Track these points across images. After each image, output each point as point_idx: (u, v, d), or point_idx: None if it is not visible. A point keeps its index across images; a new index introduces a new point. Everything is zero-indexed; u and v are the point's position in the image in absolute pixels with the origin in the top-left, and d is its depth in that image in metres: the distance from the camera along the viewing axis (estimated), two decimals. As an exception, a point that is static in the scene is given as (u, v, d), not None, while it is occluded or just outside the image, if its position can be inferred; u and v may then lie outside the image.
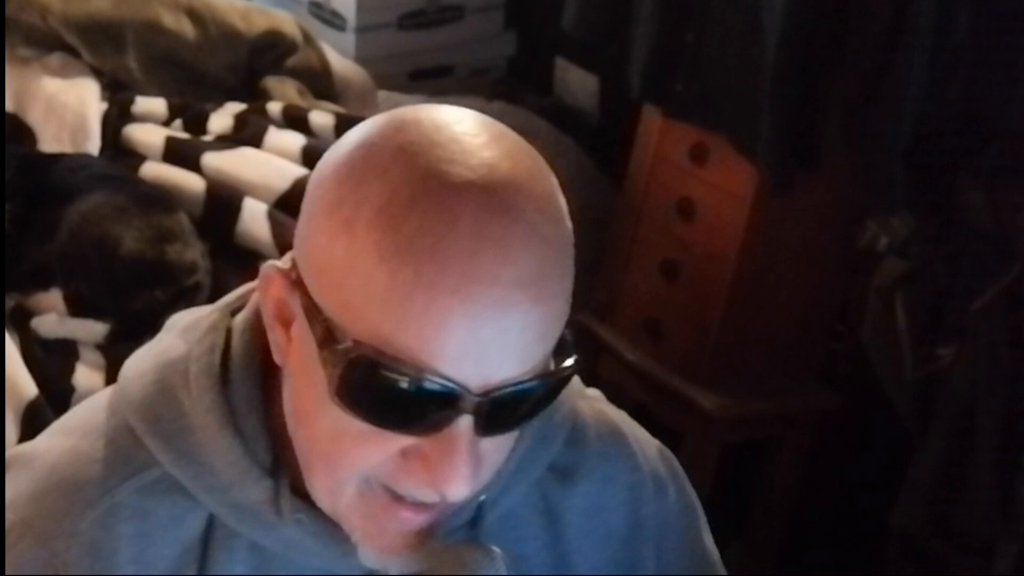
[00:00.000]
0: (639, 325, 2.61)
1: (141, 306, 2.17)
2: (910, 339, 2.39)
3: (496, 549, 0.96)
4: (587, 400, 1.12)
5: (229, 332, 0.99)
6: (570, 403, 1.08)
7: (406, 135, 0.88)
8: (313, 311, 0.88)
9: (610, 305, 2.69)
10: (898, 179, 2.23)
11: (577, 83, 3.20)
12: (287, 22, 2.93)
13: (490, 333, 0.84)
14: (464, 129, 0.88)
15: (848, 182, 2.39)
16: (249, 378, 0.97)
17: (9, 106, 2.60)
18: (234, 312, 1.01)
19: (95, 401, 1.04)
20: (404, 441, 0.88)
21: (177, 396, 0.98)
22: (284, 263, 0.93)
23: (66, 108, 2.60)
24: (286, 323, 0.92)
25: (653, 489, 1.12)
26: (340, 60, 3.00)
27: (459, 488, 0.87)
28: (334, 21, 3.19)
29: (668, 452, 1.17)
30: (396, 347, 0.84)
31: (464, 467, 0.87)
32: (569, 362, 0.91)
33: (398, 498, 0.90)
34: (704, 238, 2.49)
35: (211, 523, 0.98)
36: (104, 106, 2.63)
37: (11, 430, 1.97)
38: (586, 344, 2.69)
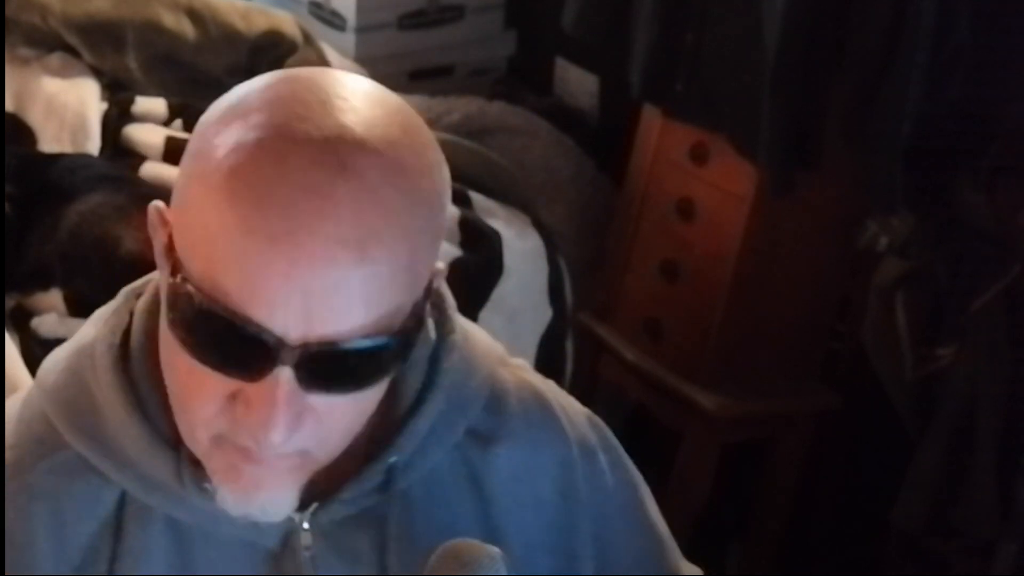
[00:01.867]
0: (639, 325, 2.61)
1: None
2: (910, 339, 2.39)
3: (496, 549, 0.97)
4: (509, 368, 1.12)
5: (133, 315, 1.02)
6: (488, 369, 1.08)
7: (279, 89, 0.91)
8: (171, 247, 0.91)
9: (610, 305, 2.69)
10: (898, 179, 2.23)
11: (577, 83, 3.20)
12: (287, 22, 2.93)
13: (308, 286, 0.86)
14: (339, 93, 0.90)
15: (848, 182, 2.39)
16: (147, 354, 1.00)
17: (9, 106, 2.60)
18: (139, 296, 1.04)
19: (19, 395, 1.07)
20: (232, 385, 0.90)
21: (85, 378, 1.01)
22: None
23: (66, 108, 2.60)
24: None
25: (581, 454, 1.12)
26: (340, 60, 3.00)
27: (272, 437, 0.89)
28: (334, 21, 3.19)
29: (599, 421, 1.17)
30: (219, 288, 0.87)
31: (278, 417, 0.88)
32: (408, 331, 0.91)
33: (242, 449, 0.92)
34: (704, 238, 2.49)
35: (124, 500, 1.00)
36: (104, 106, 2.63)
37: (11, 430, 1.97)
38: (586, 344, 2.69)
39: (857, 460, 2.67)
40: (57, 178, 2.32)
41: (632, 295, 2.64)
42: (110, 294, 2.30)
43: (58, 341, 2.19)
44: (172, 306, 0.90)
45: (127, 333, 1.01)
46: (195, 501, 0.98)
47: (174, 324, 0.90)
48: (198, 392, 0.92)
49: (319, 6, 3.21)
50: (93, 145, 2.53)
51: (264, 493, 0.94)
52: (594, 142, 3.03)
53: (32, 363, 2.09)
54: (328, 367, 0.89)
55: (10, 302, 2.21)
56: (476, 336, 1.10)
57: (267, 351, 0.87)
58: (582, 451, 1.12)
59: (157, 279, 1.01)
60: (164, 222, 0.93)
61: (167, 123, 2.63)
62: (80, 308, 2.18)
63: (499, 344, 1.13)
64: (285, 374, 0.88)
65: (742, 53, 2.32)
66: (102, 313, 1.05)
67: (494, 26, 3.33)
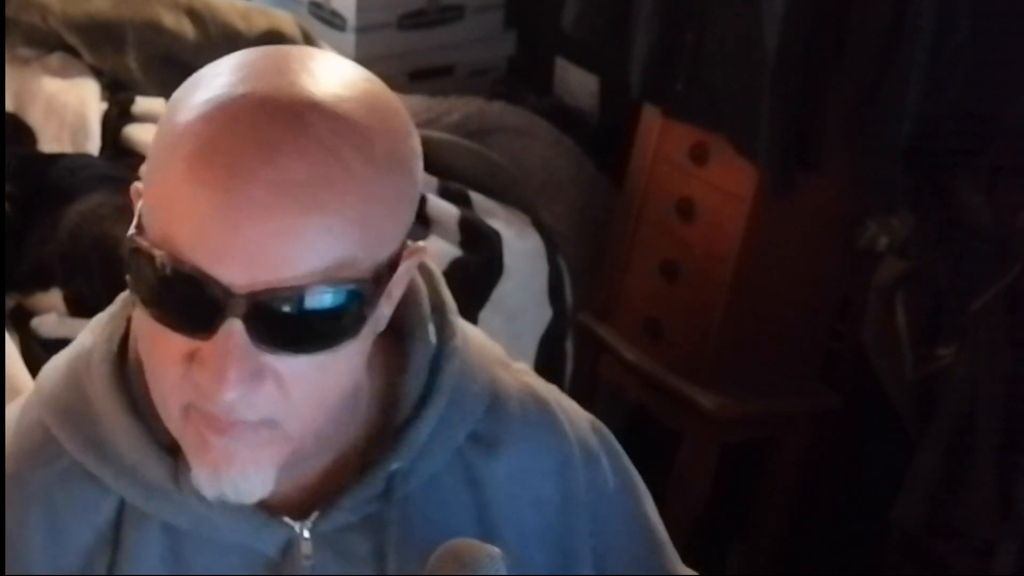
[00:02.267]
0: (639, 325, 2.61)
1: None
2: (910, 339, 2.39)
3: (496, 549, 0.96)
4: (510, 371, 1.11)
5: (129, 320, 1.02)
6: (489, 373, 1.08)
7: (251, 56, 0.92)
8: (139, 217, 0.92)
9: (610, 305, 2.69)
10: (898, 179, 2.23)
11: (577, 83, 3.20)
12: (287, 22, 2.93)
13: (250, 233, 0.85)
14: (306, 65, 0.91)
15: (848, 182, 2.39)
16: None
17: (9, 106, 2.60)
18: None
19: (19, 401, 1.07)
20: (189, 344, 0.89)
21: (82, 385, 1.00)
22: None
23: (66, 108, 2.60)
24: None
25: (583, 458, 1.11)
26: (340, 60, 3.00)
27: (226, 393, 0.88)
28: (334, 21, 3.19)
29: (601, 426, 1.16)
30: (170, 242, 0.87)
31: (230, 372, 0.87)
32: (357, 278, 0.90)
33: (209, 418, 0.91)
34: (704, 238, 2.49)
35: (122, 507, 0.99)
36: (104, 106, 2.63)
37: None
38: (586, 344, 2.69)
39: (857, 460, 2.67)
40: (57, 178, 2.32)
41: (632, 295, 2.64)
42: (110, 294, 2.30)
43: (58, 341, 2.20)
44: (131, 265, 0.91)
45: (124, 339, 1.01)
46: (193, 507, 0.98)
47: (132, 284, 0.91)
48: (163, 357, 0.91)
49: (319, 6, 3.21)
50: (93, 145, 2.53)
51: (234, 469, 0.92)
52: (594, 142, 3.03)
53: (32, 363, 2.09)
54: (278, 320, 0.88)
55: (10, 302, 2.21)
56: (477, 339, 1.10)
57: (215, 303, 0.87)
58: (584, 455, 1.11)
59: None
60: (139, 196, 0.94)
61: (167, 123, 2.63)
62: (80, 308, 2.18)
63: (500, 347, 1.12)
64: (235, 326, 0.87)
65: (742, 53, 2.32)
66: (101, 317, 1.04)
67: (494, 26, 3.33)
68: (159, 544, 0.99)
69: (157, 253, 0.88)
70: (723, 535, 2.74)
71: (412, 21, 3.21)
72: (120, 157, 2.52)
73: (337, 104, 0.89)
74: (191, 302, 0.87)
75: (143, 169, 0.94)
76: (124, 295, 1.04)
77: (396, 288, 0.96)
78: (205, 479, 0.93)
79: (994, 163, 2.27)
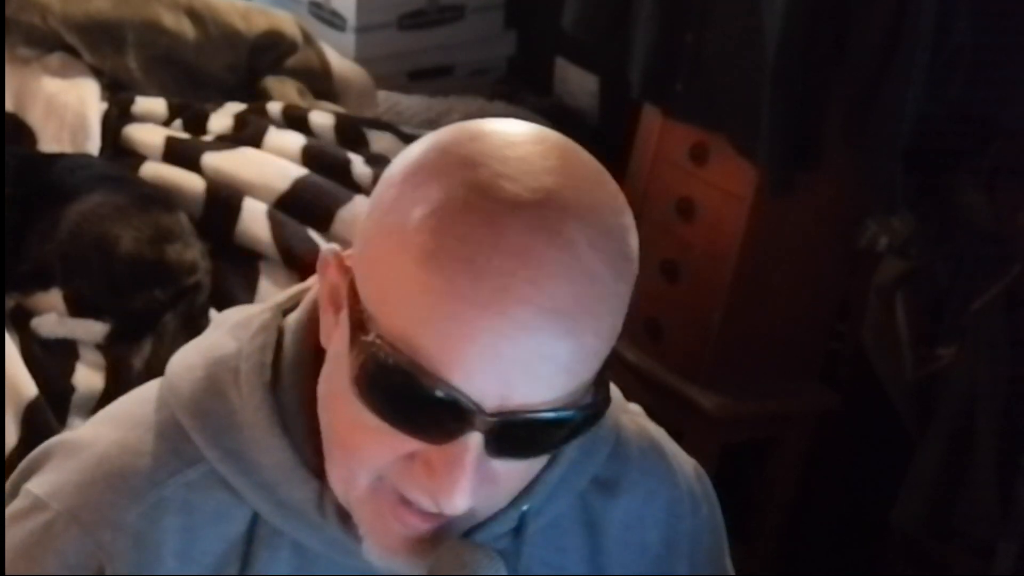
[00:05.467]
0: (639, 325, 2.61)
1: (141, 306, 2.17)
2: (910, 339, 2.39)
3: (496, 549, 0.97)
4: (629, 415, 1.12)
5: (281, 331, 1.00)
6: (613, 417, 1.08)
7: (477, 145, 0.88)
8: (354, 299, 0.88)
9: (610, 305, 2.69)
10: (898, 179, 2.23)
11: (577, 83, 3.20)
12: (287, 22, 2.93)
13: (511, 355, 0.83)
14: (536, 149, 0.88)
15: (848, 182, 2.39)
16: (299, 379, 0.97)
17: (9, 106, 2.60)
18: (286, 312, 1.02)
19: (142, 393, 1.04)
20: (414, 445, 0.88)
21: (226, 393, 0.98)
22: (346, 250, 0.93)
23: (66, 108, 2.60)
24: (337, 308, 0.92)
25: (690, 506, 1.12)
26: (340, 60, 3.00)
27: (456, 503, 0.87)
28: (334, 21, 3.19)
29: (702, 471, 1.17)
30: (417, 350, 0.84)
31: (464, 482, 0.86)
32: (592, 401, 0.89)
33: (405, 502, 0.90)
34: (704, 238, 2.48)
35: (255, 521, 0.98)
36: (104, 106, 2.63)
37: (11, 430, 1.97)
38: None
39: (857, 460, 2.67)
40: (57, 178, 2.32)
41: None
42: (110, 294, 2.30)
43: (58, 341, 2.20)
44: (359, 362, 0.87)
45: (276, 351, 0.99)
46: (333, 532, 0.96)
47: (360, 381, 0.87)
48: (373, 446, 0.89)
49: (319, 6, 3.21)
50: (93, 145, 2.53)
51: (412, 554, 0.93)
52: (594, 142, 3.02)
53: (32, 363, 2.09)
54: (518, 435, 0.87)
55: (10, 302, 2.21)
56: None
57: (461, 416, 0.85)
58: (690, 502, 1.13)
59: (311, 297, 1.00)
60: (343, 268, 0.91)
61: (167, 123, 2.63)
62: (80, 308, 2.18)
63: (617, 389, 1.11)
64: (475, 440, 0.86)
65: (742, 53, 2.32)
66: (239, 322, 1.02)
67: (494, 26, 3.34)
68: (289, 563, 0.98)
69: (400, 359, 0.85)
70: (723, 535, 2.74)
71: (412, 21, 3.21)
72: (120, 157, 2.52)
73: (591, 212, 0.87)
74: (432, 412, 0.85)
75: (358, 246, 0.90)
76: (274, 303, 1.03)
77: None
78: (379, 553, 0.93)
79: (994, 163, 2.27)
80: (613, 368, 0.92)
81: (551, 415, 0.86)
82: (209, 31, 2.82)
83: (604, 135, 3.05)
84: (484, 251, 0.83)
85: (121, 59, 2.74)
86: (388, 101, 2.98)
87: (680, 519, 1.11)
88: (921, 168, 2.28)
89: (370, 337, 0.86)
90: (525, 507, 1.01)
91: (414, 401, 0.85)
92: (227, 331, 1.02)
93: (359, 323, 0.87)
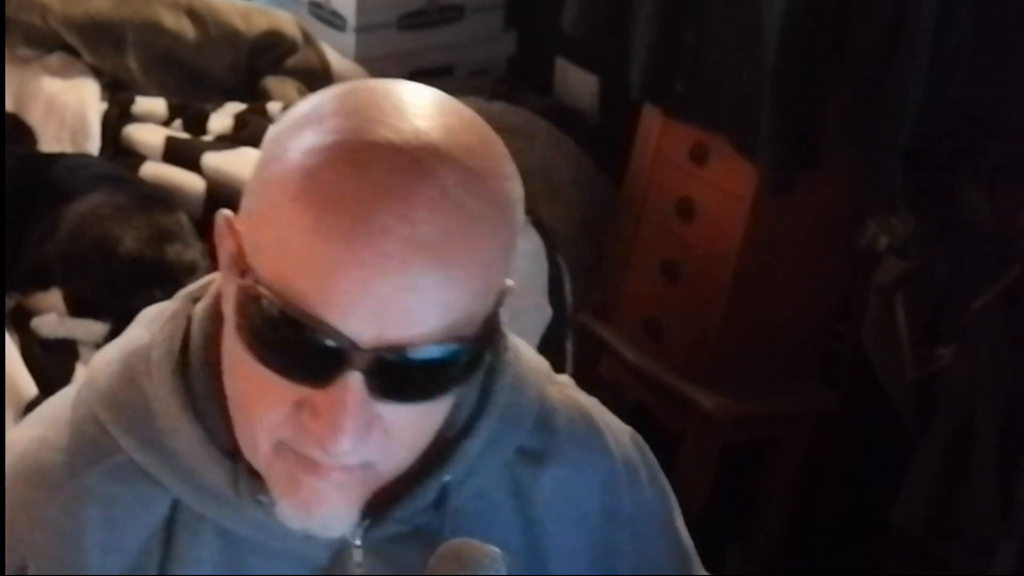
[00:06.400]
0: (639, 325, 2.61)
1: (141, 306, 2.16)
2: (910, 339, 2.39)
3: (496, 549, 0.96)
4: (557, 386, 1.12)
5: (190, 319, 1.01)
6: (538, 388, 1.08)
7: (353, 98, 0.90)
8: (239, 253, 0.90)
9: (610, 305, 2.69)
10: (898, 179, 2.23)
11: (577, 83, 3.20)
12: (287, 22, 2.93)
13: (381, 288, 0.84)
14: (413, 101, 0.90)
15: (848, 182, 2.39)
16: (208, 363, 0.98)
17: (9, 106, 2.60)
18: (196, 300, 1.03)
19: (65, 393, 1.06)
20: (299, 391, 0.88)
21: (140, 384, 0.99)
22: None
23: (66, 108, 2.60)
24: (235, 273, 0.93)
25: (626, 474, 1.12)
26: (340, 60, 3.01)
27: (340, 444, 0.87)
28: (334, 21, 3.19)
29: (640, 439, 1.17)
30: (292, 292, 0.86)
31: (347, 424, 0.87)
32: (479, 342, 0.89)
33: (304, 460, 0.91)
34: (704, 238, 2.48)
35: (176, 508, 0.99)
36: (104, 106, 2.63)
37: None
38: (586, 344, 2.69)
39: (857, 460, 2.67)
40: (57, 178, 2.32)
41: (632, 295, 2.64)
42: (110, 294, 2.30)
43: (58, 341, 2.20)
44: (240, 310, 0.89)
45: (185, 338, 1.00)
46: (250, 512, 0.97)
47: (241, 328, 0.89)
48: (263, 399, 0.90)
49: (319, 6, 3.21)
50: (93, 145, 2.53)
51: (324, 507, 0.92)
52: (594, 142, 3.04)
53: (32, 363, 2.09)
54: (399, 375, 0.87)
55: (10, 302, 2.21)
56: (525, 353, 1.10)
57: (338, 355, 0.86)
58: (626, 470, 1.12)
59: (217, 283, 1.00)
60: (233, 230, 0.92)
61: (167, 123, 2.64)
62: (80, 308, 2.19)
63: (545, 361, 1.12)
64: (355, 380, 0.86)
65: (742, 53, 2.32)
66: (154, 316, 1.03)
67: (494, 26, 3.34)
68: (211, 547, 0.99)
69: (275, 300, 0.86)
70: (723, 535, 2.74)
71: (412, 21, 3.21)
72: (120, 157, 2.52)
73: (461, 154, 0.88)
74: (309, 352, 0.86)
75: (243, 204, 0.92)
76: (183, 293, 1.04)
77: None
78: (293, 515, 0.93)
79: (994, 163, 2.27)
80: (495, 326, 0.93)
81: (428, 352, 0.87)
82: (209, 31, 2.82)
83: (604, 135, 3.05)
84: (352, 189, 0.85)
85: (121, 59, 2.74)
86: (388, 101, 2.98)
87: (617, 488, 1.11)
88: (921, 168, 2.28)
89: (249, 282, 0.88)
90: (446, 479, 1.01)
91: (292, 343, 0.86)
92: (143, 325, 1.04)
93: (242, 273, 0.89)
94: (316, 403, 0.88)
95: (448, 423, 1.01)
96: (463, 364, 0.90)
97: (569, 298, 2.62)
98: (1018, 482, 2.24)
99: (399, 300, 0.85)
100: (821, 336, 2.60)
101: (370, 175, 0.85)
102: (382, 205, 0.84)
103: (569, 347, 2.60)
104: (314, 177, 0.86)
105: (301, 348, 0.86)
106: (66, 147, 2.52)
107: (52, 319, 2.18)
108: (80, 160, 2.42)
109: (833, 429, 2.63)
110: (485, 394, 1.04)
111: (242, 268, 0.89)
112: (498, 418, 1.03)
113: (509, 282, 0.94)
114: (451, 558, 0.95)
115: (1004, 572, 2.27)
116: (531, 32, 3.31)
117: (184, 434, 0.97)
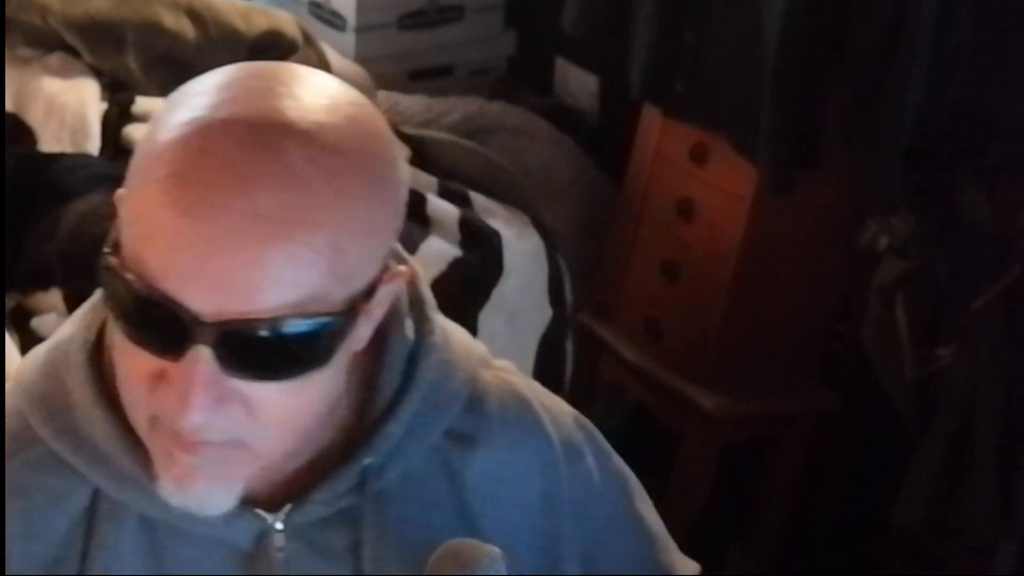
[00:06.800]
0: (639, 325, 2.61)
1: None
2: (910, 339, 2.39)
3: (497, 549, 0.96)
4: (492, 369, 1.11)
5: None
6: (469, 371, 1.08)
7: (236, 76, 0.92)
8: (115, 229, 0.92)
9: (610, 305, 2.69)
10: (898, 179, 2.23)
11: (577, 83, 3.20)
12: (287, 22, 2.93)
13: (220, 262, 0.86)
14: (285, 82, 0.91)
15: (848, 182, 2.39)
16: None
17: (9, 106, 2.60)
18: None
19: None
20: (157, 364, 0.90)
21: (60, 375, 1.01)
22: None
23: (66, 108, 2.60)
24: None
25: (565, 455, 1.11)
26: (340, 60, 3.00)
27: (189, 416, 0.88)
28: (334, 21, 3.19)
29: (586, 421, 1.16)
30: (141, 263, 0.88)
31: (194, 396, 0.88)
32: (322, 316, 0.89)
33: (175, 435, 0.92)
34: (704, 238, 2.49)
35: (97, 497, 1.00)
36: (104, 106, 2.63)
37: (11, 430, 1.97)
38: (586, 344, 2.69)
39: (857, 460, 2.67)
40: (57, 178, 2.32)
41: (632, 295, 2.64)
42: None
43: (58, 341, 2.19)
44: (104, 279, 0.92)
45: (103, 329, 1.01)
46: (166, 498, 0.98)
47: (106, 299, 0.93)
48: (134, 372, 0.92)
49: (319, 6, 3.21)
50: (93, 145, 2.53)
51: (200, 484, 0.93)
52: (594, 142, 3.03)
53: (32, 363, 2.09)
54: (246, 349, 0.88)
55: (10, 302, 2.21)
56: (457, 337, 1.09)
57: (182, 328, 0.87)
58: (566, 452, 1.11)
59: None
60: (122, 203, 0.94)
61: (167, 123, 2.63)
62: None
63: (482, 345, 1.12)
64: (204, 353, 0.87)
65: (742, 53, 2.32)
66: (81, 309, 1.05)
67: (494, 26, 3.33)
68: (134, 535, 0.99)
69: (128, 275, 0.88)
70: (723, 535, 2.74)
71: (412, 21, 3.20)
72: (120, 157, 2.52)
73: (315, 132, 0.88)
74: (160, 325, 0.88)
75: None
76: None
77: (377, 309, 0.96)
78: (170, 490, 0.94)
79: (994, 163, 2.27)
80: (362, 300, 0.92)
81: (274, 327, 0.87)
82: (209, 31, 2.82)
83: (604, 135, 3.05)
84: (196, 164, 0.87)
85: (121, 59, 2.74)
86: (388, 101, 2.98)
87: (556, 469, 1.10)
88: (921, 168, 2.28)
89: (112, 256, 0.90)
90: (367, 461, 1.01)
91: (146, 317, 0.88)
92: (70, 320, 1.05)
93: (114, 247, 0.91)
94: (170, 376, 0.89)
95: (370, 406, 1.02)
96: (318, 343, 0.90)
97: (569, 298, 2.62)
98: (1018, 482, 2.24)
99: (240, 274, 0.86)
100: (821, 336, 2.60)
101: (214, 150, 0.87)
102: (223, 181, 0.86)
103: (569, 347, 2.60)
104: (167, 153, 0.88)
105: (153, 322, 0.88)
106: (66, 147, 2.52)
107: (52, 319, 2.17)
108: (80, 160, 2.42)
109: (833, 429, 2.63)
110: (409, 376, 1.03)
111: (115, 242, 0.91)
112: (423, 400, 1.03)
113: (402, 268, 0.96)
114: (451, 558, 0.95)
115: (1004, 572, 2.27)
116: (531, 32, 3.31)
117: (98, 421, 0.98)
